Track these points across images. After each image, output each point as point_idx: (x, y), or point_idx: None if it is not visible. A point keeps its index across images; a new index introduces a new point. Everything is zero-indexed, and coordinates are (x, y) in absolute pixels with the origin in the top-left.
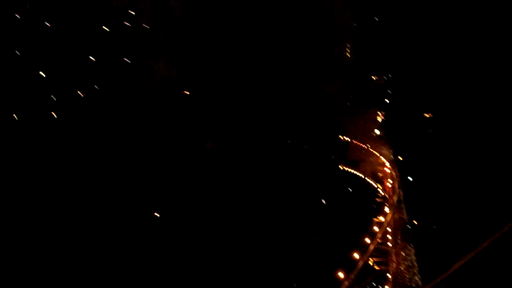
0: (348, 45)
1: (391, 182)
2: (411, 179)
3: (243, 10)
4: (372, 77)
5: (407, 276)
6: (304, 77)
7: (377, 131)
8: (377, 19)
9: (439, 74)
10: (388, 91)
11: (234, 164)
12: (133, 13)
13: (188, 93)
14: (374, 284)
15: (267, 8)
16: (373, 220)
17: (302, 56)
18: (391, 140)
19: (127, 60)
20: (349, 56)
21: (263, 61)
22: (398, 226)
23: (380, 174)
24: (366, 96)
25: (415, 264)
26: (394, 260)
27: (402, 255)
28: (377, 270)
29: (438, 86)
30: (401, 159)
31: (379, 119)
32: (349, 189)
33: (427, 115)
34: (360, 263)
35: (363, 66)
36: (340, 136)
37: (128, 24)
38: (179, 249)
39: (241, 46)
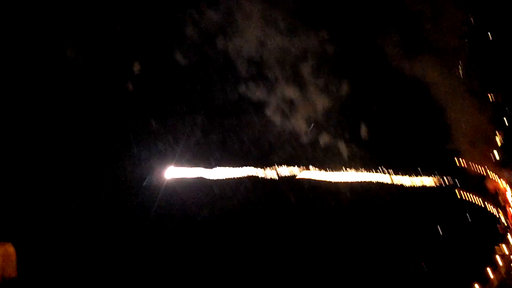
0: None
1: None
2: None
3: None
4: (488, 94)
5: None
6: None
7: (496, 154)
8: None
9: None
10: (506, 109)
11: None
12: None
13: None
14: None
15: None
16: (495, 250)
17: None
18: None
19: None
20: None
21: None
22: None
23: (501, 200)
24: (482, 115)
25: None
26: None
27: None
28: None
29: None
30: None
31: (498, 140)
32: (468, 216)
33: None
34: None
35: (476, 84)
36: (456, 159)
37: None
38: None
39: None
